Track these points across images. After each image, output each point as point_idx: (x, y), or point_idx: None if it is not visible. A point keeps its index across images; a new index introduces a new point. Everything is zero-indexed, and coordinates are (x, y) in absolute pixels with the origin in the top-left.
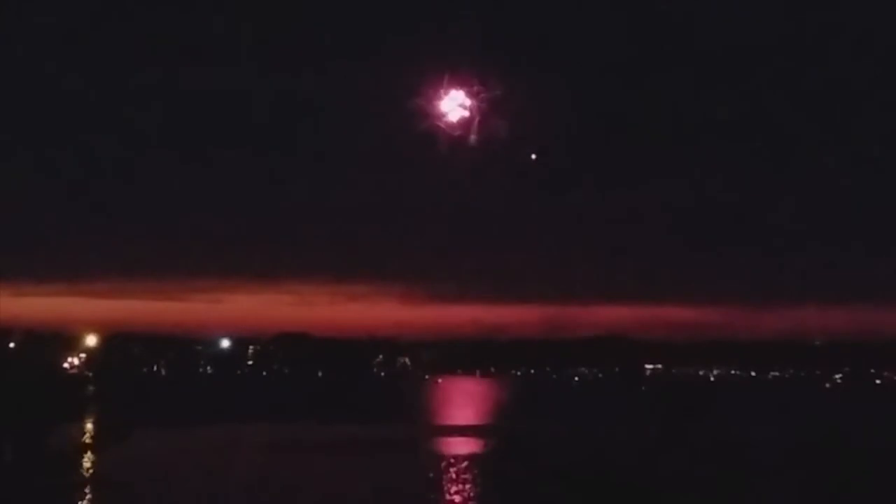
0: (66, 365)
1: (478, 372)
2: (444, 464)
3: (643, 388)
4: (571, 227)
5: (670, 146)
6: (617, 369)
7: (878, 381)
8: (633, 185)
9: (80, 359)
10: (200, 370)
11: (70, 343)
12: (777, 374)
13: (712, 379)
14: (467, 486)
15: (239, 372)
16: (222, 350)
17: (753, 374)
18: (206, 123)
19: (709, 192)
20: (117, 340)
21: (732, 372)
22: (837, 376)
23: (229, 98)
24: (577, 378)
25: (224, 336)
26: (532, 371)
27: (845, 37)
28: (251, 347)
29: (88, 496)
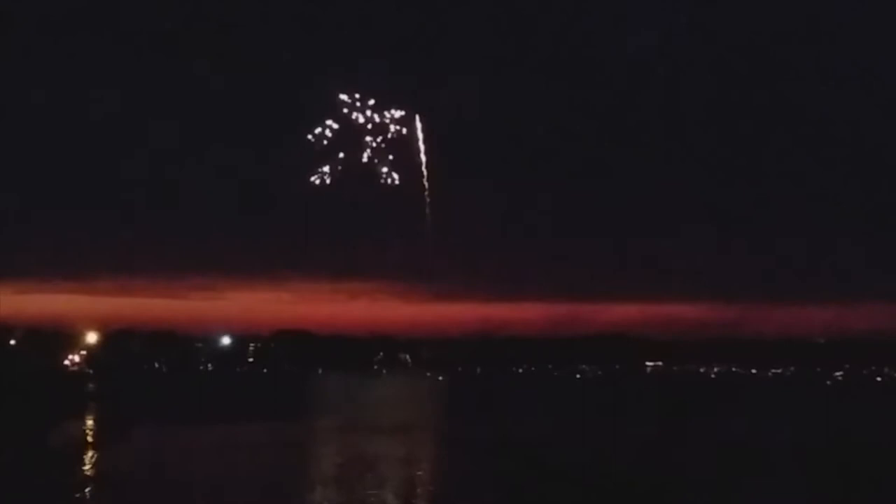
0: (67, 362)
1: (478, 369)
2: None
3: (644, 385)
4: (573, 225)
5: (667, 142)
6: (617, 367)
7: (878, 379)
8: (633, 182)
9: (80, 356)
10: (201, 368)
11: (71, 341)
12: (778, 371)
13: (713, 376)
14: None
15: (239, 369)
16: (222, 347)
17: (754, 371)
18: (205, 122)
19: (709, 189)
20: (118, 338)
21: (733, 369)
22: (838, 374)
23: (228, 96)
24: (578, 375)
25: (224, 333)
26: (533, 368)
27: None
28: (251, 345)
29: (89, 493)
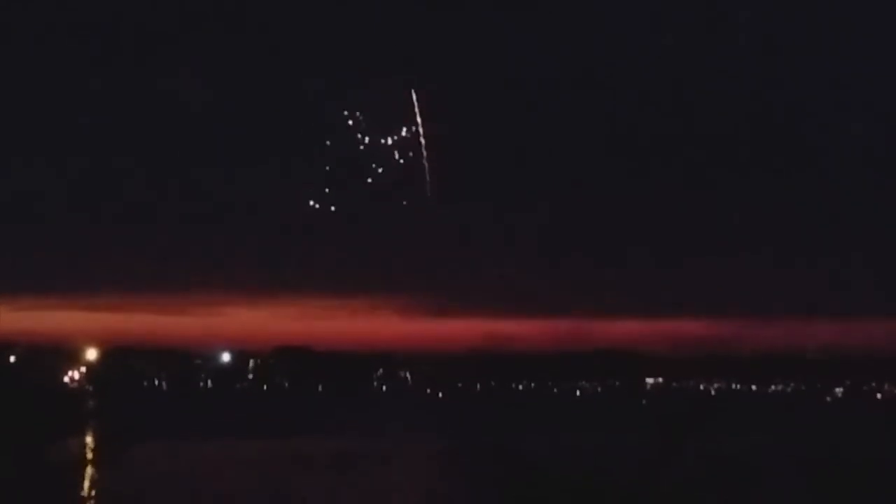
0: (66, 379)
1: (478, 385)
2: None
3: (643, 401)
4: (573, 241)
5: (666, 159)
6: (617, 383)
7: (878, 395)
8: (633, 198)
9: (80, 373)
10: (200, 384)
11: (70, 357)
12: (778, 387)
13: (713, 392)
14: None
15: (238, 386)
16: (222, 364)
17: (754, 387)
18: (205, 137)
19: (707, 203)
20: (118, 354)
21: (733, 386)
22: (838, 390)
23: (228, 111)
24: (578, 392)
25: (224, 350)
26: (533, 384)
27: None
28: (251, 361)
29: None
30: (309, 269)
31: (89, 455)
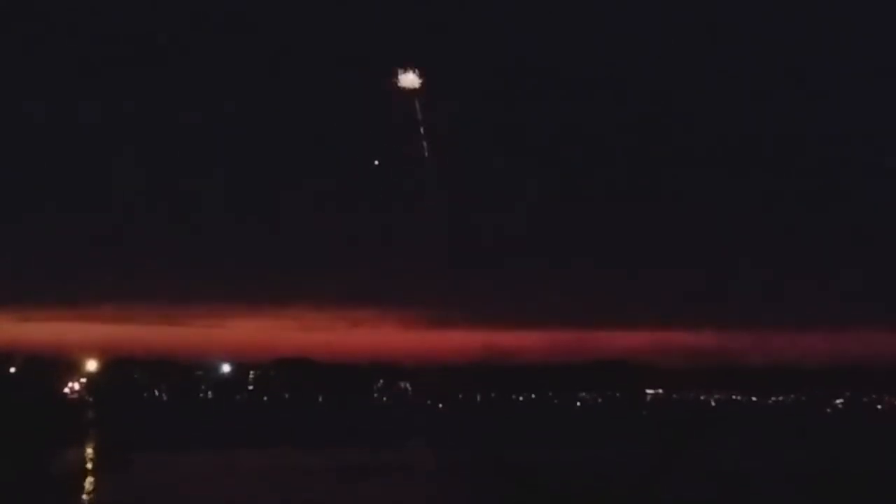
0: (66, 390)
1: (478, 396)
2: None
3: (644, 412)
4: (574, 252)
5: (669, 172)
6: (617, 394)
7: (878, 407)
8: (630, 211)
9: (80, 384)
10: (201, 395)
11: (71, 368)
12: (778, 398)
13: (713, 404)
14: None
15: (238, 397)
16: (223, 375)
17: (754, 399)
18: (205, 149)
19: (707, 214)
20: (118, 365)
21: (734, 397)
22: (838, 401)
23: (230, 124)
24: (578, 403)
25: (225, 361)
26: (533, 396)
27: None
28: (252, 372)
29: None
30: (309, 280)
31: (90, 465)
